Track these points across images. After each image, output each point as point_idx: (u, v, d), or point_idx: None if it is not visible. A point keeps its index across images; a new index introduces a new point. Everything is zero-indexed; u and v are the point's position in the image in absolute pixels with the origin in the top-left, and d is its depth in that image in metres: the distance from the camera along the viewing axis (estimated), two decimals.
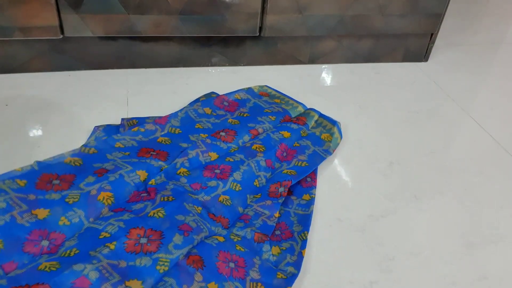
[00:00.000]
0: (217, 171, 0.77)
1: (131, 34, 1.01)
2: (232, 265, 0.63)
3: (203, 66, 1.13)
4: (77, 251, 0.59)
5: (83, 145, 0.77)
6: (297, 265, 0.65)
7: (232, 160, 0.80)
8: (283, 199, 0.75)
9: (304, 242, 0.68)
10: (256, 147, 0.83)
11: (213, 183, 0.74)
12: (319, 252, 0.69)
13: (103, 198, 0.68)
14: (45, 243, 0.61)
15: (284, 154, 0.85)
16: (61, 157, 0.73)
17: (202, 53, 1.11)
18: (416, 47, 1.25)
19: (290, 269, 0.64)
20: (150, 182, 0.72)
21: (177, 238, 0.63)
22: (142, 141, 0.81)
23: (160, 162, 0.77)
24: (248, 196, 0.76)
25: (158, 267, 0.59)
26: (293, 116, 0.96)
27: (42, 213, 0.63)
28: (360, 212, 0.77)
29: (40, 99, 0.96)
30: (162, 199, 0.69)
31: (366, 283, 0.65)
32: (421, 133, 0.99)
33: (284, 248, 0.68)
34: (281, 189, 0.76)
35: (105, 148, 0.77)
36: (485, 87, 1.21)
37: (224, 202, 0.73)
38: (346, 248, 0.70)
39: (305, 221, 0.72)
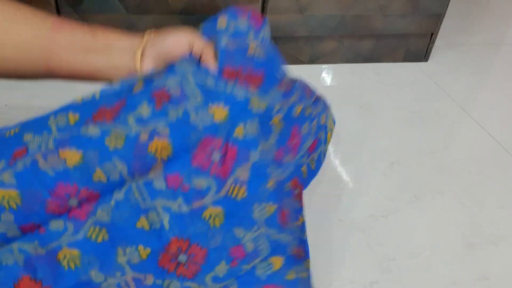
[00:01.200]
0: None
1: None
2: None
3: None
4: (106, 238, 0.46)
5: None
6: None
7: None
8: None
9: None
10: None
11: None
12: (320, 252, 0.69)
13: (156, 149, 0.47)
14: (73, 201, 0.46)
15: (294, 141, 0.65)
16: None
17: None
18: (416, 47, 1.25)
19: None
20: (236, 131, 0.48)
21: (221, 268, 0.48)
22: None
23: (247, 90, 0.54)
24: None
25: None
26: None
27: (72, 157, 0.45)
28: (361, 212, 0.77)
29: (40, 99, 0.96)
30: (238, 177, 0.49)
31: (367, 283, 0.65)
32: (421, 133, 0.99)
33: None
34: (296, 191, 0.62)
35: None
36: (485, 87, 1.21)
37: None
38: (346, 248, 0.70)
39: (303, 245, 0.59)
